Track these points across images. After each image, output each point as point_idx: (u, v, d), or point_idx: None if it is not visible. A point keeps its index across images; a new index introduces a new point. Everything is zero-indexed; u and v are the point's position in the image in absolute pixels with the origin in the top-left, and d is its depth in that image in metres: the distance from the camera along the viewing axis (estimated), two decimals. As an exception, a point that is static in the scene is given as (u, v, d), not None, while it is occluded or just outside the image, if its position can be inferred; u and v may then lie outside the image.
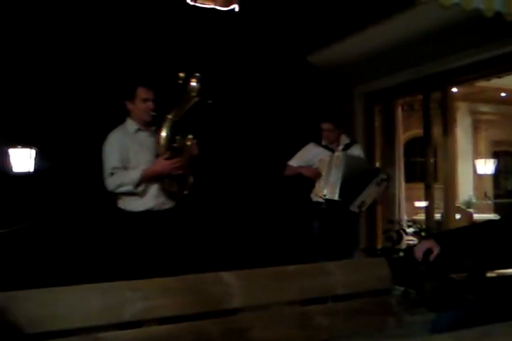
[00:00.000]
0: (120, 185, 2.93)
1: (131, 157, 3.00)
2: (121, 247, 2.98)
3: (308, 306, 1.75)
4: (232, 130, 5.73)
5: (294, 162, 4.14)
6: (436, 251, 1.89)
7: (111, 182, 2.95)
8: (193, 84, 2.95)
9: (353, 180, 3.87)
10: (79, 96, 5.37)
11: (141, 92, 3.03)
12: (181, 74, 2.97)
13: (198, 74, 2.97)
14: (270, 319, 1.68)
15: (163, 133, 2.95)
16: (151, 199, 3.00)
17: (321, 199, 3.93)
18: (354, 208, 3.89)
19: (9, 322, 1.30)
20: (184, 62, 4.78)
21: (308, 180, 4.02)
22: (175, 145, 3.01)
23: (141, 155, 3.02)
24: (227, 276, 1.62)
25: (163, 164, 2.95)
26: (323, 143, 4.09)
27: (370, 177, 3.94)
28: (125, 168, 2.98)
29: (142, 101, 3.02)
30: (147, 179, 2.96)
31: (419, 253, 1.91)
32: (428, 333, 1.76)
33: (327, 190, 3.85)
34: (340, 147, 4.07)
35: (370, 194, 3.91)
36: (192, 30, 5.45)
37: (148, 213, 2.97)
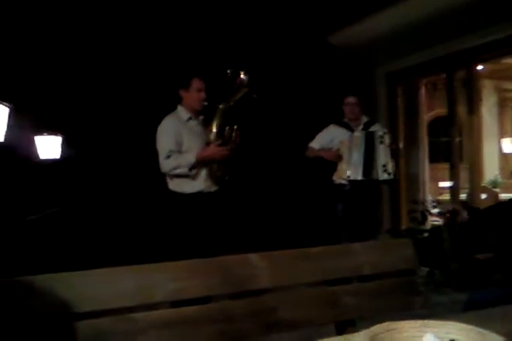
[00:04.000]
0: (176, 167, 3.19)
1: (184, 142, 3.25)
2: (173, 225, 3.27)
3: (334, 286, 1.76)
4: (252, 112, 5.75)
5: (315, 143, 4.13)
6: (464, 214, 1.89)
7: (167, 164, 3.20)
8: (242, 76, 3.24)
9: (373, 155, 3.83)
10: (104, 85, 5.43)
11: (196, 83, 3.31)
12: (229, 70, 3.27)
13: (245, 69, 3.26)
14: (296, 299, 1.70)
15: (216, 122, 3.25)
16: (201, 182, 3.28)
17: (344, 181, 3.92)
18: (383, 176, 3.82)
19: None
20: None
21: (329, 162, 4.00)
22: (225, 133, 3.30)
23: (192, 142, 3.27)
24: (253, 258, 1.64)
25: (215, 150, 3.22)
26: (346, 120, 4.07)
27: (372, 142, 3.85)
28: (179, 151, 3.23)
29: (196, 91, 3.30)
30: (200, 163, 3.23)
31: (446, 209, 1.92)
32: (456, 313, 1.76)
33: (350, 171, 3.84)
34: (360, 126, 4.05)
35: (383, 155, 3.81)
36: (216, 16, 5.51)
37: (198, 194, 3.26)
